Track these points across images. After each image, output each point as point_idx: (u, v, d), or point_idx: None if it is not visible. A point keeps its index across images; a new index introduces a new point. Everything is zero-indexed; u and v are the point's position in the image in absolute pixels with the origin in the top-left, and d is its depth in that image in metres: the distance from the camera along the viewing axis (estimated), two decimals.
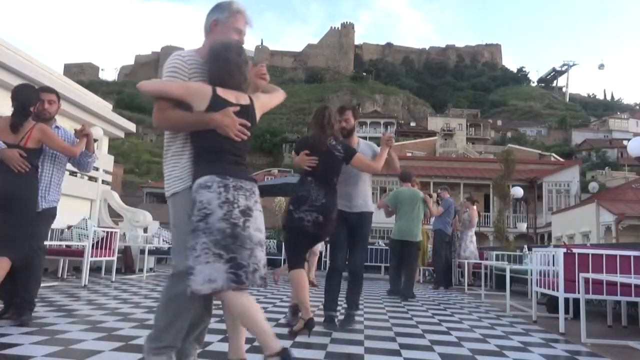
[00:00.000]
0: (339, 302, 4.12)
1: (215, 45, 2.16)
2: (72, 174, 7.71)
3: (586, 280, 3.89)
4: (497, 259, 8.38)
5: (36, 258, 3.54)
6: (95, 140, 3.87)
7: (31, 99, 3.50)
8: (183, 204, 2.10)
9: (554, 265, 4.53)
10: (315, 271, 8.17)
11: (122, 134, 10.59)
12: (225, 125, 2.06)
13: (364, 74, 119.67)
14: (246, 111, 2.16)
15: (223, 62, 2.14)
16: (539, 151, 55.45)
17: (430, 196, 7.51)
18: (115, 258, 7.06)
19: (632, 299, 4.06)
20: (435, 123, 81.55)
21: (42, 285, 4.69)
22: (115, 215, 9.58)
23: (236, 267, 1.97)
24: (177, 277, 2.10)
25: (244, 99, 2.19)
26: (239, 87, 2.19)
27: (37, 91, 3.64)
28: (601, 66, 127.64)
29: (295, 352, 2.90)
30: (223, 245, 1.97)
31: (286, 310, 4.50)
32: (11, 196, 3.28)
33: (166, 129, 2.19)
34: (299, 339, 3.35)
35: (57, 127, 3.81)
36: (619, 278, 3.79)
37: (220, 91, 2.12)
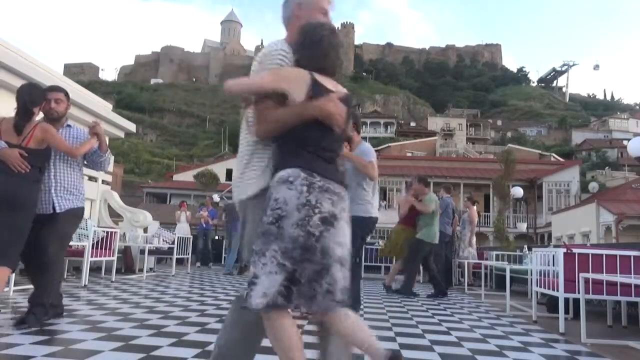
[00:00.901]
0: None
1: (307, 26, 1.89)
2: None
3: (586, 280, 3.89)
4: (497, 259, 8.38)
5: (50, 264, 3.42)
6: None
7: (35, 99, 3.46)
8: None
9: (554, 265, 4.53)
10: None
11: (122, 134, 10.58)
12: (330, 112, 1.76)
13: (364, 74, 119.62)
14: (346, 100, 1.88)
15: (317, 42, 1.86)
16: (539, 151, 55.45)
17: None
18: (115, 258, 7.06)
19: (632, 299, 4.06)
20: (435, 123, 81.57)
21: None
22: (115, 215, 9.58)
23: (291, 281, 1.65)
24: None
25: (340, 87, 1.92)
26: (334, 73, 1.91)
27: (44, 91, 3.61)
28: (596, 67, 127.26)
29: None
30: (291, 255, 1.66)
31: None
32: (10, 198, 3.21)
33: (271, 134, 1.82)
34: None
35: (68, 125, 3.78)
36: (619, 278, 3.79)
37: (318, 77, 1.82)
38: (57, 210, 3.55)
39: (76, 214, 3.72)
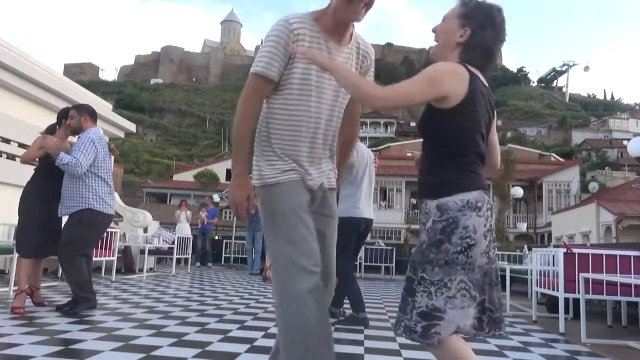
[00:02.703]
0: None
1: (482, 3, 1.66)
2: None
3: (586, 280, 3.89)
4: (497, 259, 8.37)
5: (65, 262, 4.05)
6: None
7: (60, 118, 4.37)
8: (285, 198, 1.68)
9: (554, 265, 4.53)
10: None
11: (122, 134, 10.58)
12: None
13: None
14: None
15: (498, 28, 1.64)
16: (539, 151, 55.40)
17: None
18: (115, 258, 7.05)
19: (632, 299, 4.06)
20: None
21: (42, 285, 4.70)
22: (115, 215, 9.56)
23: (482, 311, 1.57)
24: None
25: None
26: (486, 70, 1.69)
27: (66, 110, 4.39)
28: (586, 68, 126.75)
29: None
30: (481, 285, 1.57)
31: None
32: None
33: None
34: None
35: (78, 136, 4.23)
36: (619, 278, 3.79)
37: (473, 70, 1.62)
38: (59, 215, 4.15)
39: (78, 218, 4.06)
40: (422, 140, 1.70)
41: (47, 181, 4.12)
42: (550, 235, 25.44)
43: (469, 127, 1.59)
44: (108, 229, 7.17)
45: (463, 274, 1.53)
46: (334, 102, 1.77)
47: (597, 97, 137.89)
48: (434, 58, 1.68)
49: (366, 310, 4.15)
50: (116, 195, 9.59)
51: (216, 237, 14.25)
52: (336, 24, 1.70)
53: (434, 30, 1.73)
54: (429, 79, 1.53)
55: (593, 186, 31.48)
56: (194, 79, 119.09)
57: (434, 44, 1.75)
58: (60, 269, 4.24)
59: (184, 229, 11.82)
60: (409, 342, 3.46)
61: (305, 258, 1.59)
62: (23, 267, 4.05)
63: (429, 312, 1.53)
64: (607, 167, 57.25)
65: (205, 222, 12.29)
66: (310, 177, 1.74)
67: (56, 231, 4.12)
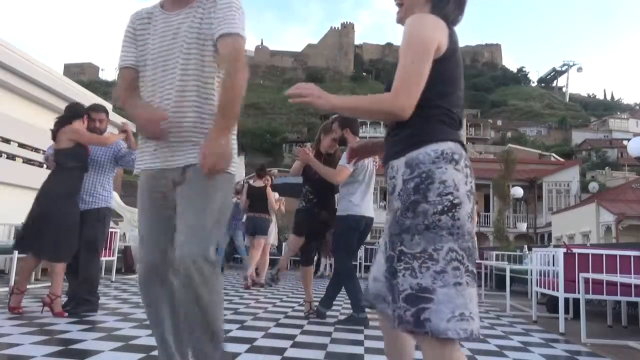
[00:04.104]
0: (337, 303, 4.15)
1: None
2: None
3: (586, 280, 3.89)
4: (497, 259, 8.38)
5: (87, 261, 4.02)
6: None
7: (77, 114, 4.07)
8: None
9: (554, 265, 4.53)
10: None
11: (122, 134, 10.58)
12: None
13: (364, 74, 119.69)
14: None
15: None
16: (539, 151, 55.43)
17: None
18: (115, 258, 7.06)
19: (632, 299, 4.06)
20: None
21: (41, 285, 4.70)
22: (115, 215, 9.56)
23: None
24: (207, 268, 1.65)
25: None
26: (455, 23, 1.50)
27: (86, 109, 4.19)
28: (579, 69, 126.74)
29: (295, 352, 2.91)
30: (474, 257, 1.30)
31: (287, 310, 4.53)
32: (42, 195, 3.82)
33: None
34: (299, 338, 3.36)
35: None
36: (619, 278, 3.79)
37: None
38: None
39: (99, 215, 4.15)
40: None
41: (77, 180, 4.03)
42: (550, 235, 25.42)
43: (448, 81, 1.41)
44: (108, 229, 7.17)
45: (452, 241, 1.25)
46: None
47: (597, 97, 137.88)
48: (401, 24, 1.47)
49: (366, 310, 4.15)
50: (116, 195, 9.61)
51: None
52: None
53: None
54: (421, 47, 1.33)
55: (593, 186, 31.46)
56: None
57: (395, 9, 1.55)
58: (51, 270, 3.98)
59: None
60: None
61: None
62: (30, 267, 3.97)
63: (414, 293, 1.24)
64: (607, 167, 57.21)
65: None
66: None
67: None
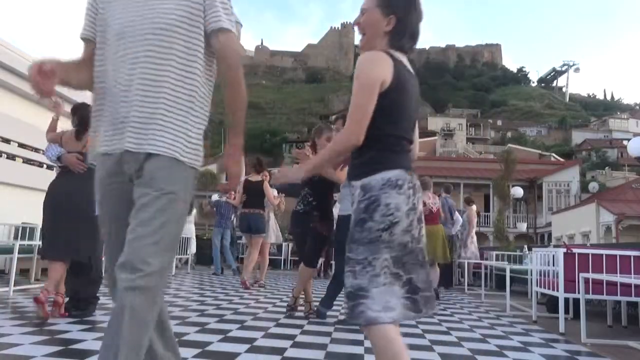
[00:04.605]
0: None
1: None
2: None
3: (586, 280, 3.89)
4: (497, 259, 8.39)
5: (98, 261, 3.92)
6: None
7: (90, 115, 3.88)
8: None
9: (554, 265, 4.53)
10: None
11: None
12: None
13: None
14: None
15: (418, 8, 1.70)
16: (539, 151, 55.40)
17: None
18: None
19: (632, 299, 4.07)
20: (435, 123, 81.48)
21: (38, 286, 4.69)
22: None
23: (413, 291, 1.59)
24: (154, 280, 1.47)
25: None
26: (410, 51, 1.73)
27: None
28: (577, 70, 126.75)
29: (295, 352, 2.91)
30: (402, 263, 1.59)
31: (284, 310, 4.53)
32: (73, 199, 3.70)
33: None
34: (299, 338, 3.36)
35: None
36: (619, 278, 3.79)
37: (397, 55, 1.66)
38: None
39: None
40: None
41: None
42: (550, 235, 25.43)
43: (394, 111, 1.63)
44: None
45: (387, 252, 1.57)
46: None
47: (597, 97, 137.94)
48: (363, 51, 1.69)
49: None
50: None
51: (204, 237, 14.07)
52: None
53: (356, 23, 1.74)
54: (366, 87, 1.59)
55: (593, 186, 31.48)
56: None
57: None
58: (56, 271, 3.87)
59: (189, 229, 11.50)
60: (408, 342, 3.46)
61: None
62: (63, 271, 3.82)
63: (353, 292, 1.56)
64: (607, 167, 57.22)
65: None
66: None
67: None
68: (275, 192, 7.98)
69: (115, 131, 1.58)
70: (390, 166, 1.61)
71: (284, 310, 4.60)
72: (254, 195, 7.14)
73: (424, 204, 7.14)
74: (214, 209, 10.31)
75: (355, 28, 1.75)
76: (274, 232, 8.28)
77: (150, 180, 1.53)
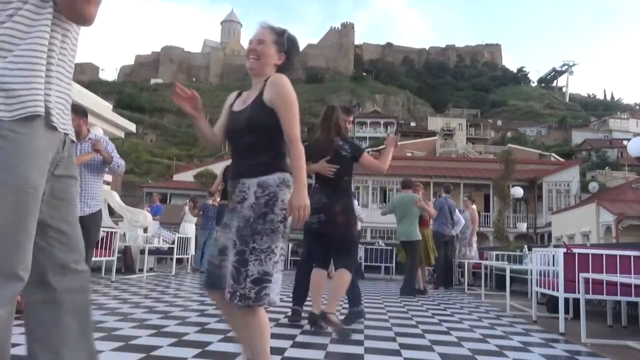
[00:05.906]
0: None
1: (289, 34, 2.15)
2: None
3: (586, 280, 3.89)
4: (497, 259, 8.38)
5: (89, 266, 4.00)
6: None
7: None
8: None
9: (554, 265, 4.53)
10: None
11: (122, 134, 10.58)
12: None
13: (364, 74, 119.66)
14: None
15: (298, 50, 2.19)
16: (539, 151, 55.43)
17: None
18: (115, 258, 7.06)
19: (632, 299, 4.06)
20: (435, 123, 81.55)
21: None
22: (115, 215, 9.57)
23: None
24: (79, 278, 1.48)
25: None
26: None
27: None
28: (571, 72, 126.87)
29: (295, 352, 2.91)
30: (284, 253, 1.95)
31: (287, 310, 4.52)
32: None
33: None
34: (299, 338, 3.36)
35: (90, 139, 4.27)
36: (619, 278, 3.78)
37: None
38: (81, 214, 3.75)
39: (99, 218, 4.21)
40: (246, 129, 1.98)
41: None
42: (550, 235, 25.45)
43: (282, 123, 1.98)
44: (108, 229, 7.18)
45: (282, 241, 1.89)
46: None
47: (597, 97, 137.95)
48: (252, 72, 2.08)
49: (366, 310, 4.15)
50: (116, 195, 9.61)
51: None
52: None
53: (253, 49, 2.07)
54: (295, 108, 1.99)
55: (593, 186, 31.49)
56: (194, 79, 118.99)
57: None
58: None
59: (190, 229, 11.46)
60: (409, 342, 3.46)
61: None
62: None
63: (260, 277, 1.81)
64: (607, 167, 57.25)
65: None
66: None
67: None
68: None
69: None
70: (284, 169, 1.94)
71: (285, 310, 4.59)
72: None
73: None
74: (201, 212, 10.39)
75: (250, 52, 2.08)
76: None
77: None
